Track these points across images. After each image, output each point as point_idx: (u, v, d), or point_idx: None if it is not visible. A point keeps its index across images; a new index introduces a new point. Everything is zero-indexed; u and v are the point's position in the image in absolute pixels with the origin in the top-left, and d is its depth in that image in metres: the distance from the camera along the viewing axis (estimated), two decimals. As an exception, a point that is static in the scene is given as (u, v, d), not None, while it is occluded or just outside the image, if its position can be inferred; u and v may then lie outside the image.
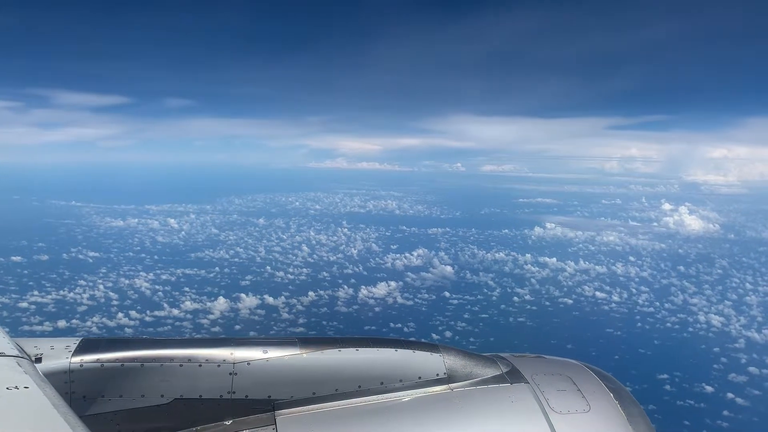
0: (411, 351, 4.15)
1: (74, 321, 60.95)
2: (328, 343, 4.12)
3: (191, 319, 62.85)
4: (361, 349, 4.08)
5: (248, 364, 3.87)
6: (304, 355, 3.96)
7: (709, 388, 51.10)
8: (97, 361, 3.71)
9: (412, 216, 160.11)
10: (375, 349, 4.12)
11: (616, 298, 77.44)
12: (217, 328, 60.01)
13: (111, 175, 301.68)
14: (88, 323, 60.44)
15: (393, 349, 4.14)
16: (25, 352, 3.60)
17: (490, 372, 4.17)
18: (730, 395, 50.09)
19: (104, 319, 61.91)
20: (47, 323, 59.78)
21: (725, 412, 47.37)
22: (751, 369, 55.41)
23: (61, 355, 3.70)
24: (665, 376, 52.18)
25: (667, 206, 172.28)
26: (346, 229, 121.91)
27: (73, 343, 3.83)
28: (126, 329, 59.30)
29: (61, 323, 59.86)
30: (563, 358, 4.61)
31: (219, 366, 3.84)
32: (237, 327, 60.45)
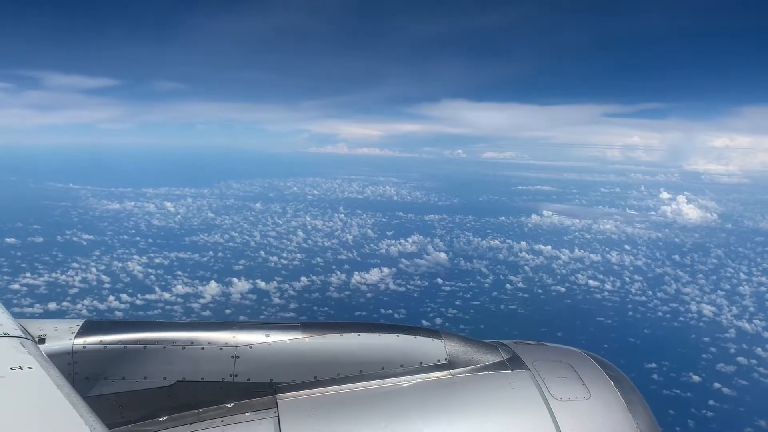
0: (412, 337, 4.16)
1: (65, 303, 61.09)
2: (330, 327, 4.10)
3: (182, 303, 62.90)
4: (362, 334, 4.08)
5: (250, 347, 3.89)
6: (306, 340, 3.97)
7: (696, 378, 51.20)
8: (100, 342, 3.75)
9: (410, 202, 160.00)
10: (377, 335, 4.11)
11: (608, 286, 77.45)
12: (207, 312, 60.14)
13: (109, 157, 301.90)
14: (79, 306, 60.56)
15: (395, 335, 4.14)
16: (29, 333, 3.62)
17: (491, 358, 4.18)
18: (717, 385, 50.15)
19: (95, 302, 62.01)
20: (38, 305, 59.88)
21: (711, 402, 47.48)
22: (740, 359, 55.45)
23: (64, 337, 3.74)
24: (653, 365, 52.26)
25: (665, 195, 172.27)
26: (342, 215, 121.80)
27: (77, 324, 3.87)
28: (116, 312, 59.41)
29: (52, 305, 60.01)
30: (564, 345, 4.61)
31: (221, 349, 3.87)
32: (227, 311, 60.58)
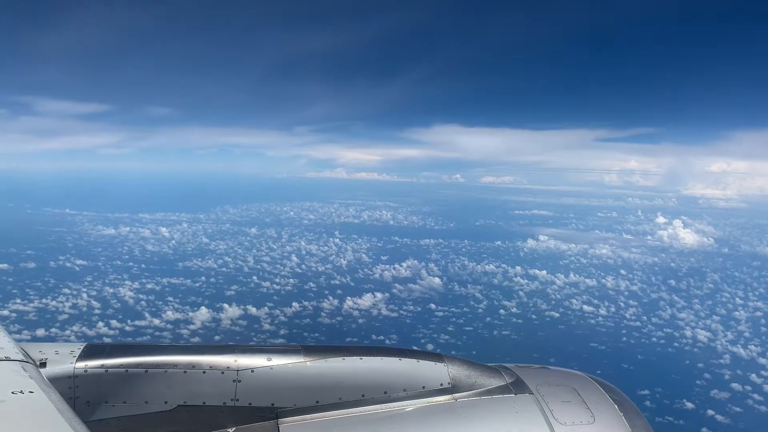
0: (415, 360, 4.17)
1: (53, 329, 60.57)
2: (331, 351, 4.12)
3: (171, 329, 62.40)
4: (364, 358, 4.10)
5: (252, 371, 3.91)
6: (308, 364, 3.98)
7: (689, 405, 50.57)
8: (102, 366, 3.76)
9: (406, 227, 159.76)
10: (379, 358, 4.12)
11: (603, 311, 77.01)
12: (196, 339, 59.57)
13: (107, 183, 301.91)
14: (67, 332, 60.03)
15: (397, 359, 4.14)
16: (30, 357, 3.65)
17: (494, 382, 4.19)
18: (710, 412, 49.59)
19: (84, 328, 61.48)
20: (26, 331, 59.33)
21: (704, 430, 46.86)
22: (734, 385, 54.92)
23: (65, 360, 3.75)
24: (646, 391, 51.63)
25: (661, 219, 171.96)
26: (337, 240, 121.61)
27: (78, 348, 3.89)
28: (105, 339, 58.84)
29: (40, 331, 59.46)
30: (568, 369, 4.63)
31: (223, 373, 3.88)
32: (216, 337, 60.15)
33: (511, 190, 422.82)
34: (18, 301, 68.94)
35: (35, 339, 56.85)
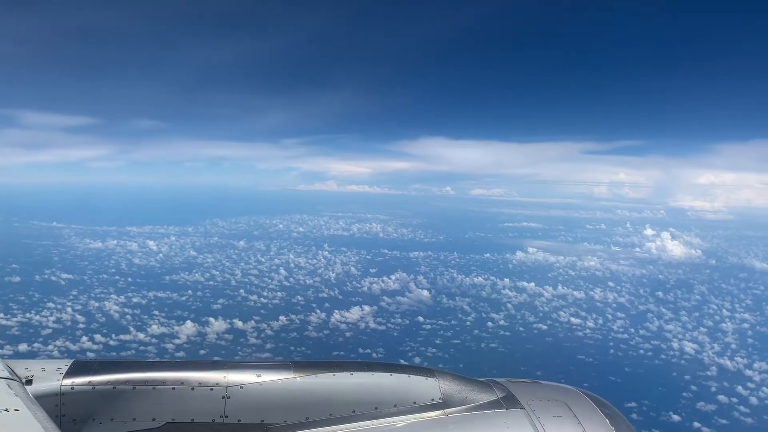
0: (406, 376, 4.18)
1: (36, 344, 59.83)
2: (322, 367, 4.11)
3: (156, 343, 61.82)
4: (355, 374, 4.10)
5: (241, 387, 3.89)
6: (298, 379, 3.98)
7: (676, 417, 50.61)
8: (89, 383, 3.72)
9: (395, 239, 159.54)
10: (369, 374, 4.14)
11: (590, 324, 77.10)
12: (181, 353, 59.06)
13: (96, 196, 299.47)
14: (50, 347, 59.30)
15: (388, 374, 4.15)
16: (16, 374, 3.62)
17: (485, 397, 4.18)
18: (697, 425, 49.63)
19: (68, 343, 60.84)
20: (8, 346, 58.69)
21: (690, 442, 46.85)
22: (721, 398, 55.05)
23: (52, 378, 3.73)
24: (633, 404, 51.58)
25: (649, 231, 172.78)
26: (326, 252, 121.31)
27: (65, 365, 3.85)
28: (88, 353, 58.22)
29: (23, 347, 58.74)
30: (559, 383, 4.63)
31: (212, 389, 3.86)
32: (202, 352, 59.54)
33: (501, 202, 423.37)
34: (0, 315, 68.17)
35: (17, 354, 56.21)
